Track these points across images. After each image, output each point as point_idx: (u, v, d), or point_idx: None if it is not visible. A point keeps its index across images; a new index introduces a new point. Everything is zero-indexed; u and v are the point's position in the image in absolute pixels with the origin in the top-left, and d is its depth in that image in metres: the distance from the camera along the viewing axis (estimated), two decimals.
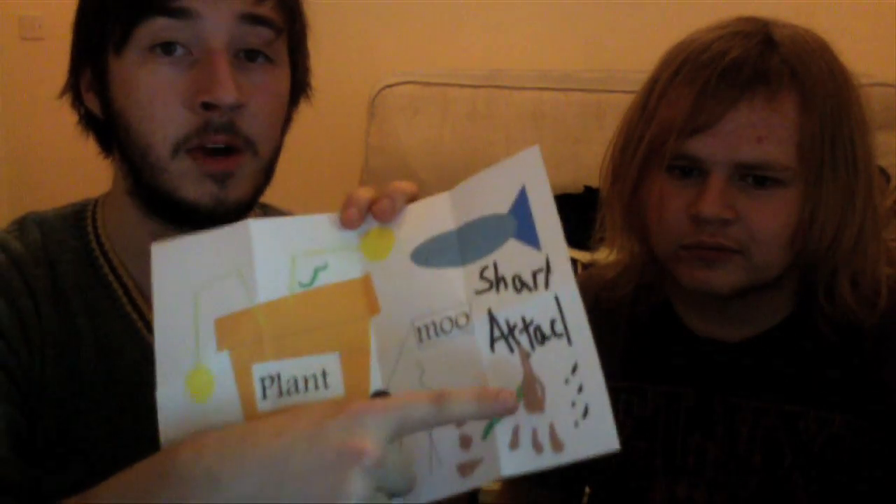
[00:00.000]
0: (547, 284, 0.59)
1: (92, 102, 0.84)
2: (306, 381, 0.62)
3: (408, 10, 2.83)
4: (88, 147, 0.88)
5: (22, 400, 0.79)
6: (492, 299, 0.61)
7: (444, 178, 2.80)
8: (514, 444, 0.57)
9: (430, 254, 0.63)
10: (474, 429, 0.59)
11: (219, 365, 0.62)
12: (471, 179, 0.64)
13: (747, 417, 0.95)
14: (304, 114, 0.92)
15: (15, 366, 0.79)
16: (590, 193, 2.29)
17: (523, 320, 0.59)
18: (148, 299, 0.84)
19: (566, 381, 0.57)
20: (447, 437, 0.59)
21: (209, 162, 0.78)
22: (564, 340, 0.57)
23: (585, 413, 0.55)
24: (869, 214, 0.92)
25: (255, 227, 0.64)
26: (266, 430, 0.56)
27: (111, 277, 0.86)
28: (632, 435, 0.99)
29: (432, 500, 0.59)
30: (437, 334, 0.62)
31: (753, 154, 0.87)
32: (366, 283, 0.64)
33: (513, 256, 0.61)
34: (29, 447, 0.79)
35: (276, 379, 0.61)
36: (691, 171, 0.90)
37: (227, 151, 0.79)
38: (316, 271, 0.64)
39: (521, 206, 0.61)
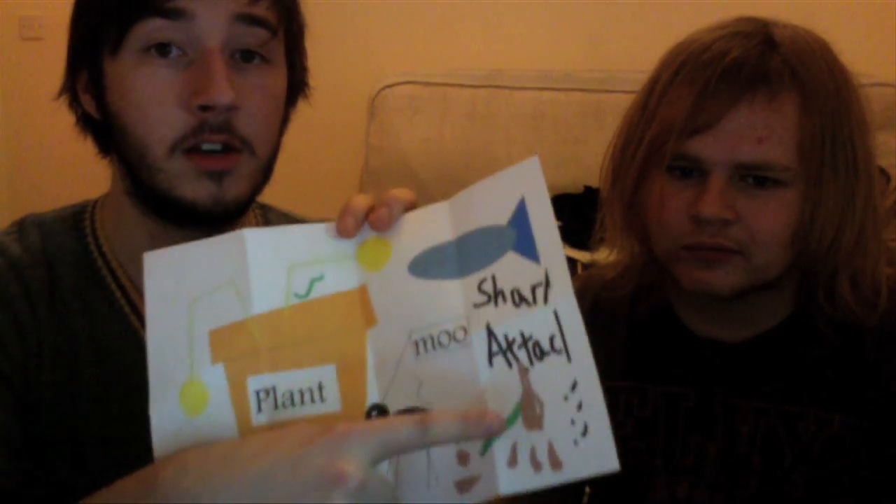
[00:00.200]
0: (546, 299, 0.58)
1: (89, 104, 0.84)
2: (302, 395, 0.61)
3: (408, 10, 2.83)
4: (88, 147, 0.88)
5: (18, 405, 0.79)
6: (490, 313, 0.60)
7: (444, 178, 2.83)
8: (512, 461, 0.57)
9: (428, 265, 0.62)
10: (472, 445, 0.58)
11: (213, 378, 0.61)
12: (469, 189, 0.63)
13: (747, 418, 0.95)
14: (304, 114, 0.91)
15: (10, 371, 0.79)
16: (590, 193, 2.29)
17: (522, 335, 0.58)
18: None
19: (565, 399, 0.56)
20: (445, 453, 0.58)
21: (206, 160, 0.78)
22: (564, 357, 0.57)
23: (585, 431, 0.55)
24: (869, 215, 0.92)
25: (251, 237, 0.63)
26: (248, 451, 0.55)
27: (109, 279, 0.86)
28: (632, 435, 0.99)
29: None
30: (434, 348, 0.61)
31: (753, 154, 0.87)
32: (362, 294, 0.63)
33: (512, 269, 0.60)
34: (26, 451, 0.79)
35: (271, 392, 0.61)
36: (691, 171, 0.90)
37: (224, 151, 0.78)
38: (312, 282, 0.63)
39: (521, 217, 0.60)
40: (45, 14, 3.00)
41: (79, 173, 1.08)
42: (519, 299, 0.59)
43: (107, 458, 0.81)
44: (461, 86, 2.58)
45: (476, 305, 0.60)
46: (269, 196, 0.88)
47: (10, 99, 3.14)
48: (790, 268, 0.92)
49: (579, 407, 0.55)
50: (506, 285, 0.60)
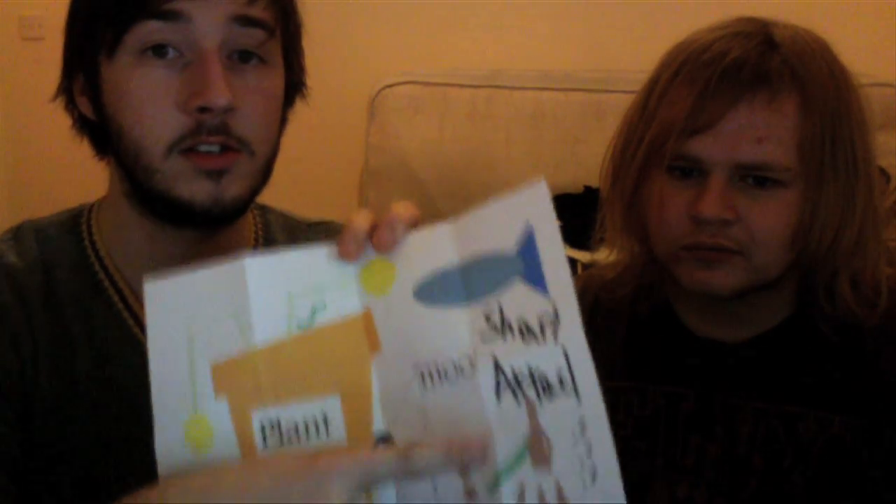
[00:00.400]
0: (555, 336, 0.56)
1: (85, 106, 0.84)
2: (307, 427, 0.60)
3: (408, 10, 2.83)
4: (88, 147, 0.88)
5: (15, 417, 0.79)
6: (497, 346, 0.59)
7: (444, 178, 2.83)
8: (520, 499, 0.56)
9: (434, 291, 0.61)
10: (480, 481, 0.57)
11: (217, 413, 0.60)
12: (474, 211, 0.61)
13: (747, 418, 0.95)
14: (304, 114, 0.91)
15: (6, 383, 0.79)
16: (590, 193, 2.29)
17: (530, 371, 0.57)
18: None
19: (574, 440, 0.55)
20: (452, 488, 0.58)
21: (203, 160, 0.77)
22: (573, 396, 0.55)
23: (594, 476, 0.54)
24: (869, 215, 0.92)
25: (250, 267, 0.61)
26: (228, 484, 0.55)
27: (107, 283, 0.85)
28: (632, 435, 0.99)
29: None
30: (440, 379, 0.60)
31: (753, 155, 0.87)
32: (367, 320, 0.62)
33: (519, 300, 0.58)
34: (23, 460, 0.79)
35: (276, 426, 0.60)
36: (691, 171, 0.90)
37: (222, 151, 0.78)
38: (314, 310, 0.62)
39: (529, 246, 0.58)
40: (45, 14, 3.00)
41: (79, 173, 1.08)
42: (527, 333, 0.58)
43: (106, 463, 0.80)
44: (461, 86, 2.57)
45: (483, 337, 0.59)
46: (269, 196, 0.88)
47: (10, 99, 3.14)
48: (790, 268, 0.92)
49: (588, 449, 0.54)
50: (513, 317, 0.58)
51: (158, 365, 0.62)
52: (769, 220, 0.89)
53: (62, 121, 0.88)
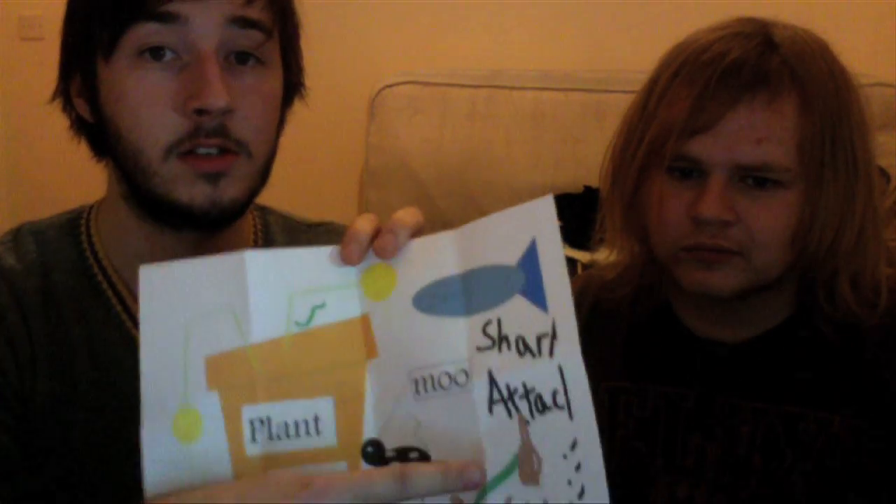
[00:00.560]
0: (552, 353, 0.56)
1: (82, 108, 0.83)
2: (297, 426, 0.59)
3: (408, 10, 2.83)
4: (87, 148, 0.88)
5: (13, 420, 0.78)
6: (493, 360, 0.58)
7: (444, 178, 2.83)
8: None
9: (433, 300, 0.61)
10: (467, 495, 0.57)
11: (208, 406, 0.59)
12: (478, 222, 0.61)
13: (747, 418, 0.95)
14: (305, 114, 0.91)
15: (4, 388, 0.79)
16: (590, 193, 2.29)
17: (524, 386, 0.57)
18: None
19: (564, 457, 0.55)
20: (438, 497, 0.57)
21: (201, 162, 0.77)
22: (566, 414, 0.55)
23: (582, 494, 0.54)
24: (869, 215, 0.92)
25: (251, 260, 0.61)
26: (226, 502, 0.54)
27: (105, 286, 0.85)
28: (632, 436, 0.99)
29: None
30: (434, 388, 0.59)
31: (753, 155, 0.87)
32: (365, 324, 0.62)
33: (518, 315, 0.58)
34: (21, 464, 0.79)
35: (266, 422, 0.59)
36: (691, 172, 0.90)
37: (220, 153, 0.78)
38: (314, 310, 0.61)
39: (531, 261, 0.58)
40: (45, 14, 3.00)
41: (78, 174, 1.08)
42: (524, 348, 0.57)
43: (104, 466, 0.80)
44: (461, 86, 2.58)
45: (479, 349, 0.59)
46: (269, 196, 0.88)
47: (10, 99, 3.14)
48: (790, 268, 0.92)
49: (578, 468, 0.54)
50: (511, 331, 0.58)
51: (150, 353, 0.60)
52: (769, 221, 0.89)
53: (62, 121, 0.88)
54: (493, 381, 0.58)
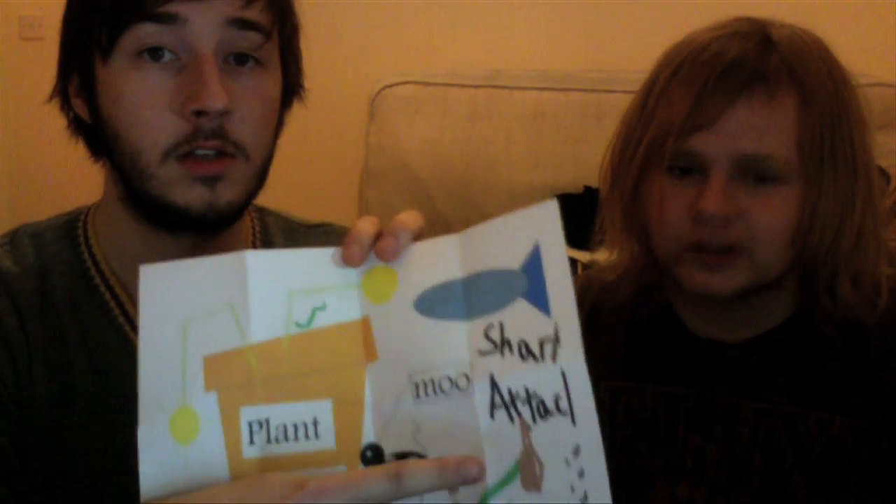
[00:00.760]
0: (554, 357, 0.56)
1: (80, 108, 0.83)
2: (296, 429, 0.59)
3: (408, 11, 2.83)
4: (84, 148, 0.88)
5: (10, 424, 0.78)
6: (495, 364, 0.58)
7: (444, 178, 2.83)
8: None
9: (435, 303, 0.60)
10: (467, 498, 0.57)
11: (205, 406, 0.59)
12: (481, 226, 0.60)
13: (748, 418, 0.95)
14: (305, 114, 0.91)
15: (1, 392, 0.78)
16: (590, 193, 2.29)
17: (526, 391, 0.57)
18: None
19: (567, 463, 0.54)
20: (438, 502, 0.57)
21: (198, 166, 0.77)
22: (568, 419, 0.55)
23: (584, 501, 0.53)
24: (869, 214, 0.92)
25: (252, 260, 0.60)
26: None
27: (103, 288, 0.85)
28: (632, 436, 0.99)
29: None
30: (435, 392, 0.59)
31: (754, 147, 0.87)
32: (365, 327, 0.61)
33: (520, 319, 0.57)
34: (21, 467, 0.78)
35: (264, 424, 0.59)
36: (691, 170, 0.90)
37: (217, 156, 0.77)
38: (314, 311, 0.61)
39: (534, 265, 0.57)
40: (45, 14, 3.00)
41: (78, 174, 1.08)
42: (526, 352, 0.57)
43: (103, 470, 0.80)
44: (461, 86, 2.58)
45: (481, 353, 0.59)
46: (268, 197, 0.87)
47: (10, 99, 3.14)
48: (791, 268, 0.92)
49: (581, 474, 0.54)
50: (513, 335, 0.58)
51: (149, 352, 0.60)
52: (770, 217, 0.88)
53: (61, 121, 0.88)
54: (494, 386, 0.58)
